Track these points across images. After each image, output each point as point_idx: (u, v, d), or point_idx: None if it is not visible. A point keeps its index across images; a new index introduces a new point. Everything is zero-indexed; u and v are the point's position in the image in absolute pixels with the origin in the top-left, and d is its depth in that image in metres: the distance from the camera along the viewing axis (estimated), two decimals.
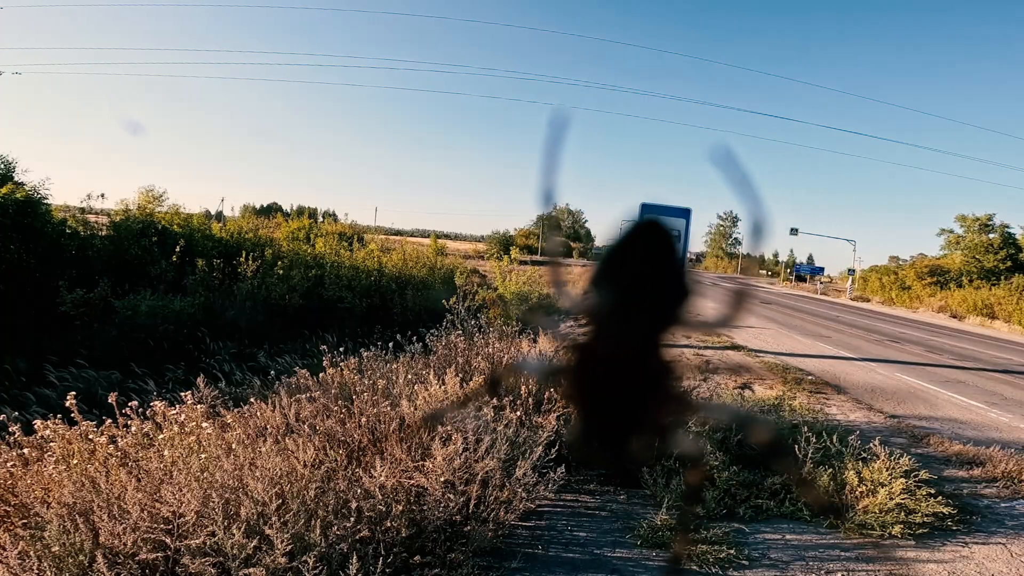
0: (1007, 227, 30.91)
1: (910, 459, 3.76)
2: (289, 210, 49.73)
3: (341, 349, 5.09)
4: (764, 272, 69.23)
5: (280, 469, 2.45)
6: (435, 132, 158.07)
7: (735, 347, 10.16)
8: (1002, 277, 27.96)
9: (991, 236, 30.82)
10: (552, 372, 0.47)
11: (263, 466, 2.44)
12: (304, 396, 3.48)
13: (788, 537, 3.23)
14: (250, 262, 11.26)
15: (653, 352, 0.44)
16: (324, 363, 3.93)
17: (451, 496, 2.66)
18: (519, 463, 3.00)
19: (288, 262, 11.98)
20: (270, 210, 48.17)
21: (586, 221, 74.80)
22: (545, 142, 0.47)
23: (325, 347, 4.40)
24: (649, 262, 0.44)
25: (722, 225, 79.88)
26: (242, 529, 2.14)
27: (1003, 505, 3.92)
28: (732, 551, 2.94)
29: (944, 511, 3.45)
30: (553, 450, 3.37)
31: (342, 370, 3.85)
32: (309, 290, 11.47)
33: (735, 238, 79.44)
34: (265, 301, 10.81)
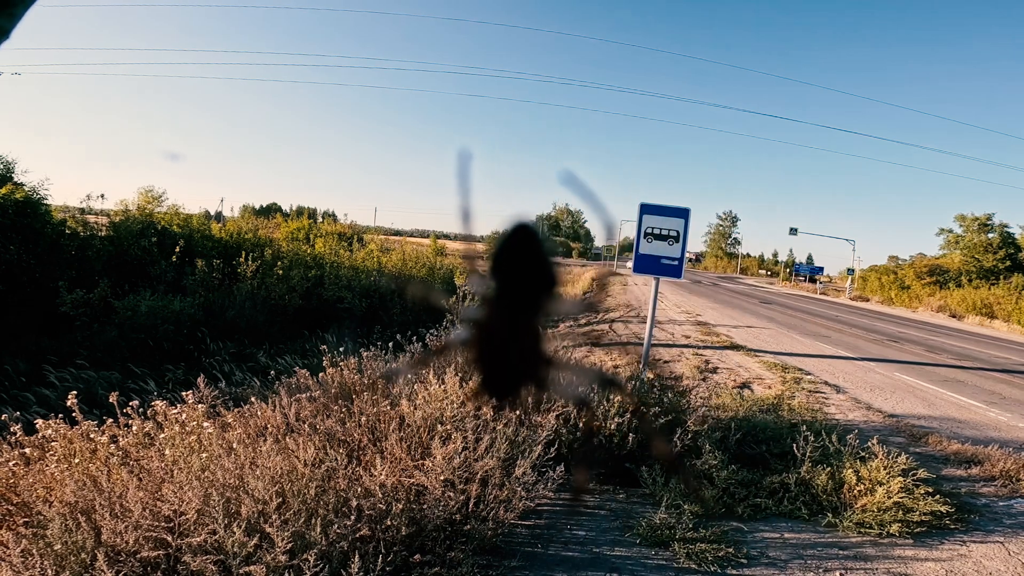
0: (1006, 227, 31.04)
1: (908, 458, 3.77)
2: (289, 210, 49.75)
3: (341, 349, 5.10)
4: (764, 272, 69.24)
5: (280, 468, 2.47)
6: (435, 132, 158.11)
7: (735, 346, 10.17)
8: (1001, 276, 28.06)
9: (990, 236, 30.91)
10: (462, 343, 0.58)
11: (263, 465, 2.45)
12: (304, 396, 3.49)
13: (787, 536, 3.24)
14: (250, 262, 11.26)
15: (528, 327, 0.56)
16: (324, 363, 3.94)
17: (451, 495, 2.68)
18: (518, 462, 3.01)
19: (288, 262, 11.97)
20: (269, 210, 48.17)
21: (585, 221, 74.84)
22: (456, 171, 0.56)
23: (325, 347, 4.41)
24: (519, 258, 0.55)
25: (721, 225, 79.99)
26: (243, 527, 2.15)
27: (1001, 504, 3.93)
28: (731, 549, 2.95)
29: (942, 510, 3.46)
30: (552, 449, 3.38)
31: (342, 370, 3.86)
32: (309, 290, 11.47)
33: (735, 238, 79.59)
34: (265, 301, 10.81)
